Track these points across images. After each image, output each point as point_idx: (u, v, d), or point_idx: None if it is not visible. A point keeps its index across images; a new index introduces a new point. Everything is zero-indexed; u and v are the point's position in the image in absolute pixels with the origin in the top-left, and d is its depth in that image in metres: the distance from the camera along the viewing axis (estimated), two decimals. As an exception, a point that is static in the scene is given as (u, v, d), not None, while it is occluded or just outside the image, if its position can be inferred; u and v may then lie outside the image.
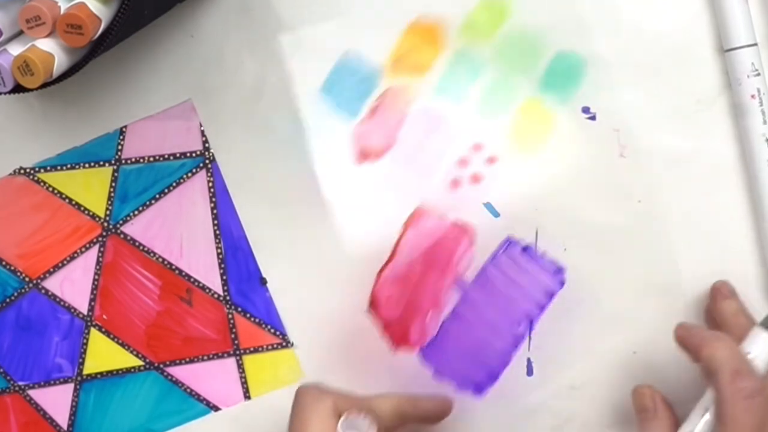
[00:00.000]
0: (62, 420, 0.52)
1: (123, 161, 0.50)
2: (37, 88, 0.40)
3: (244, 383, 0.51)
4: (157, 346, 0.51)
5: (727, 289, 0.47)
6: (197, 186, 0.50)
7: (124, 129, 0.50)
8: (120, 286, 0.51)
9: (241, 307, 0.51)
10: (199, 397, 0.52)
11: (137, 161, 0.50)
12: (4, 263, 0.51)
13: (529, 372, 0.50)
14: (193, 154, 0.50)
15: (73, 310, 0.51)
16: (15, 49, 0.40)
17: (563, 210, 0.49)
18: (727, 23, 0.46)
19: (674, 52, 0.47)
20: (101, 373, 0.52)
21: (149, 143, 0.50)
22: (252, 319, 0.51)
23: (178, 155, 0.50)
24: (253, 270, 0.50)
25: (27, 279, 0.51)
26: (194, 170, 0.50)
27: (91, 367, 0.52)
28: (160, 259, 0.51)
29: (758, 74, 0.46)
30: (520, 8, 0.47)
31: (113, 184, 0.50)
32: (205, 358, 0.51)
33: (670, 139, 0.48)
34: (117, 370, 0.52)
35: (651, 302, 0.48)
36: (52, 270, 0.51)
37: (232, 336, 0.51)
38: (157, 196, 0.50)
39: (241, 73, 0.49)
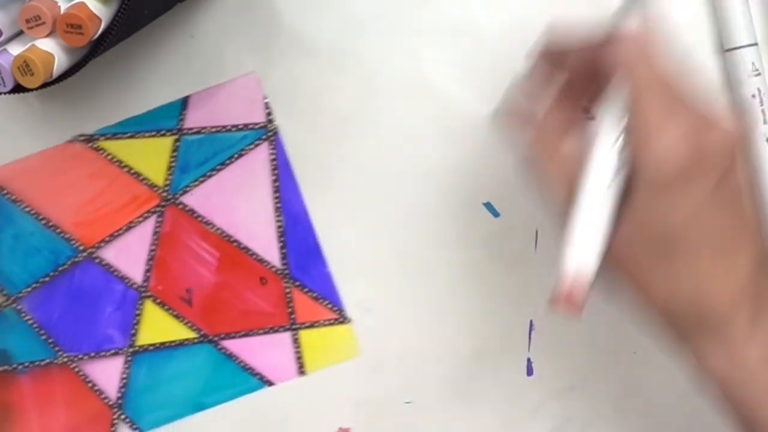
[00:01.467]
0: (111, 392, 0.52)
1: (185, 131, 0.50)
2: (37, 88, 0.40)
3: (300, 358, 0.51)
4: (212, 318, 0.51)
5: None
6: (259, 158, 0.50)
7: (186, 98, 0.49)
8: (177, 258, 0.51)
9: (300, 281, 0.50)
10: (253, 372, 0.51)
11: (199, 131, 0.50)
12: (58, 231, 0.50)
13: (529, 372, 0.50)
14: (256, 126, 0.49)
15: (127, 281, 0.51)
16: (15, 49, 0.40)
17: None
18: (727, 23, 0.46)
19: (674, 52, 0.47)
20: (154, 345, 0.51)
21: (212, 114, 0.50)
22: (310, 293, 0.50)
23: (240, 127, 0.49)
24: (312, 244, 0.50)
25: (81, 248, 0.51)
26: (257, 142, 0.50)
27: (144, 338, 0.51)
28: (219, 231, 0.50)
29: (758, 74, 0.46)
30: None
31: (174, 154, 0.50)
32: (261, 332, 0.51)
33: None
34: (170, 343, 0.51)
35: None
36: (107, 239, 0.51)
37: (289, 310, 0.51)
38: (218, 167, 0.50)
39: (241, 73, 0.50)
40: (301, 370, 0.51)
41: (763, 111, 0.46)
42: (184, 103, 0.49)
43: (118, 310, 0.51)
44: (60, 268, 0.51)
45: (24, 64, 0.39)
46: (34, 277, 0.51)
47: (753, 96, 0.46)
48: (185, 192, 0.50)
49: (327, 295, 0.50)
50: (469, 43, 0.49)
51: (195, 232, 0.51)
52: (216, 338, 0.51)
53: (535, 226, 0.49)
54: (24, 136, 0.51)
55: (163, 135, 0.50)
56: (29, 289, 0.51)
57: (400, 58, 0.49)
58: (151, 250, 0.51)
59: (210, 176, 0.50)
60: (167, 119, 0.50)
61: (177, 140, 0.50)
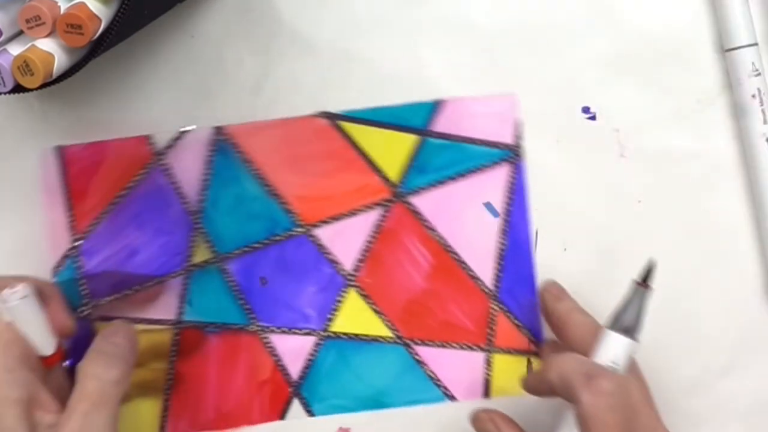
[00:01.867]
0: (294, 370, 0.52)
1: (431, 133, 0.50)
2: (37, 88, 0.40)
3: (488, 381, 0.51)
4: (411, 322, 0.51)
5: (557, 289, 0.48)
6: (498, 177, 0.50)
7: (440, 102, 0.49)
8: (392, 255, 0.51)
9: (506, 305, 0.50)
10: (438, 383, 0.51)
11: (445, 137, 0.50)
12: (281, 201, 0.51)
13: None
14: (504, 146, 0.50)
15: (337, 265, 0.51)
16: (15, 49, 0.40)
17: (563, 210, 0.49)
18: (727, 23, 0.47)
19: (674, 52, 0.49)
20: (347, 334, 0.51)
21: (462, 123, 0.50)
22: (513, 319, 0.50)
23: (488, 142, 0.50)
24: (527, 273, 0.50)
25: (300, 222, 0.51)
26: (499, 161, 0.50)
27: (339, 325, 0.51)
28: (440, 239, 0.51)
29: (759, 74, 0.47)
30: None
31: (414, 153, 0.50)
32: (456, 346, 0.51)
33: (670, 139, 0.49)
34: (364, 335, 0.51)
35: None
36: (327, 220, 0.51)
37: (489, 331, 0.51)
38: (455, 176, 0.50)
39: (242, 73, 0.50)
40: (486, 393, 0.51)
41: (763, 111, 0.47)
42: (436, 105, 0.50)
43: (321, 293, 0.51)
44: (274, 238, 0.51)
45: (24, 64, 0.39)
46: (246, 240, 0.51)
47: (753, 96, 0.47)
48: (416, 192, 0.50)
49: (530, 324, 0.50)
50: (469, 43, 0.50)
51: (415, 234, 0.51)
52: (411, 342, 0.51)
53: (535, 226, 0.50)
54: (24, 136, 0.51)
55: (409, 132, 0.50)
56: (238, 252, 0.51)
57: (400, 57, 0.50)
58: (368, 242, 0.51)
59: (444, 183, 0.50)
60: (417, 118, 0.50)
61: (421, 140, 0.50)
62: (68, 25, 0.39)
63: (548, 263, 0.50)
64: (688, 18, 0.48)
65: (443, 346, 0.51)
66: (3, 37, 0.40)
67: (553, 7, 0.49)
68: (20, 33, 0.41)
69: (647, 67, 0.49)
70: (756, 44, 0.47)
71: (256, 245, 0.51)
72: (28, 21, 0.40)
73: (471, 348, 0.51)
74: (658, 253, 0.45)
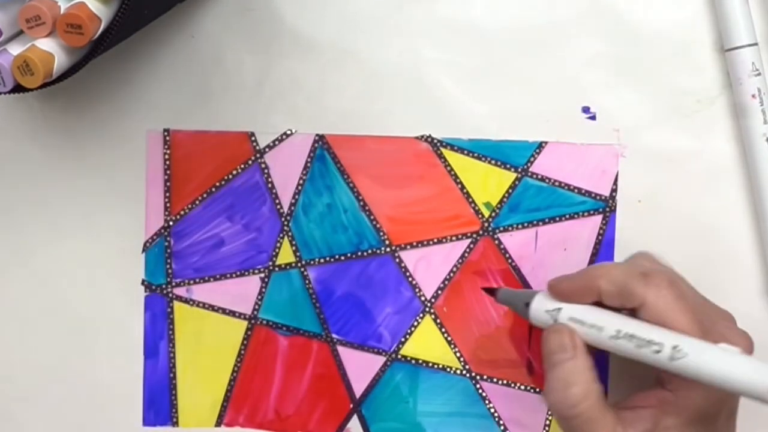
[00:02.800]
0: (358, 387, 0.52)
1: (530, 173, 0.50)
2: (37, 88, 0.40)
3: (548, 426, 0.51)
4: (482, 357, 0.51)
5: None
6: (587, 228, 0.51)
7: (544, 144, 0.49)
8: (472, 288, 0.51)
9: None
10: (499, 421, 0.51)
11: (543, 179, 0.50)
12: (372, 218, 0.51)
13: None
14: (598, 197, 0.50)
15: (417, 290, 0.51)
16: (15, 49, 0.40)
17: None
18: (727, 23, 0.47)
19: (674, 52, 0.49)
20: (416, 360, 0.51)
21: (562, 168, 0.50)
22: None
23: (584, 191, 0.50)
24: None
25: (387, 242, 0.51)
26: (591, 212, 0.50)
27: (409, 350, 0.51)
28: (521, 279, 0.50)
29: (759, 74, 0.47)
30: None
31: (510, 191, 0.50)
32: (522, 387, 0.51)
33: (670, 139, 0.49)
34: (433, 364, 0.51)
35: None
36: (414, 244, 0.51)
37: (554, 377, 0.50)
38: (547, 220, 0.50)
39: (242, 73, 0.50)
40: (544, 437, 0.51)
41: (763, 111, 0.47)
42: (539, 146, 0.50)
43: (398, 314, 0.51)
44: (359, 253, 0.52)
45: (24, 64, 0.39)
46: (331, 251, 0.52)
47: (753, 96, 0.47)
48: (506, 230, 0.51)
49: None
50: (469, 43, 0.50)
51: (499, 272, 0.51)
52: (478, 376, 0.51)
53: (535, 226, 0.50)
54: (24, 136, 0.52)
55: (508, 169, 0.50)
56: (322, 261, 0.52)
57: (401, 58, 0.50)
58: (452, 271, 0.51)
59: (535, 225, 0.50)
60: (518, 156, 0.50)
61: (518, 179, 0.50)
62: (68, 25, 0.39)
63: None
64: (688, 18, 0.49)
65: (509, 386, 0.51)
66: (3, 37, 0.40)
67: (553, 6, 0.49)
68: (20, 33, 0.41)
69: (647, 67, 0.49)
70: (756, 44, 0.47)
71: (340, 257, 0.52)
72: (28, 21, 0.39)
73: (537, 391, 0.51)
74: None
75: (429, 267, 0.51)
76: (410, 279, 0.51)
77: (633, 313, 0.42)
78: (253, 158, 0.52)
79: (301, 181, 0.51)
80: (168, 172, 0.52)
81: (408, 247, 0.51)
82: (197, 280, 0.52)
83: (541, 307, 0.44)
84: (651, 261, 0.44)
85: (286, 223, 0.52)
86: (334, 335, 0.52)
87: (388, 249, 0.51)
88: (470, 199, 0.51)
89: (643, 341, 0.39)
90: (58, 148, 0.52)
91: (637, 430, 0.41)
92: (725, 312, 0.44)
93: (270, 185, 0.52)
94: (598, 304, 0.43)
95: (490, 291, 0.49)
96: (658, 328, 0.40)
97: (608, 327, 0.41)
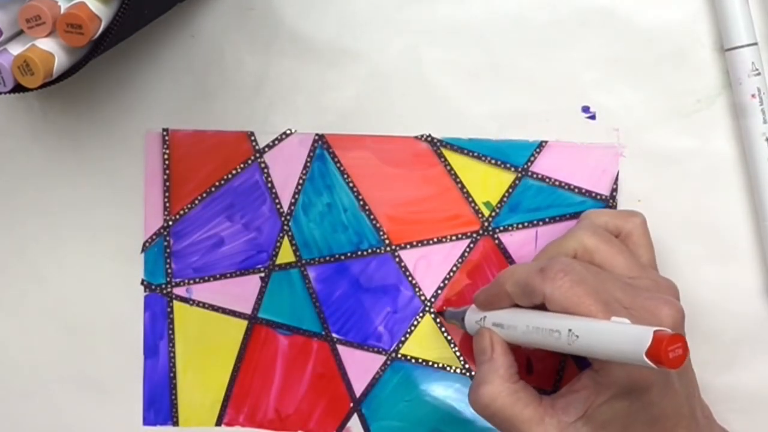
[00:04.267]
0: (358, 387, 0.52)
1: (530, 173, 0.50)
2: (37, 88, 0.40)
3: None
4: (481, 356, 0.51)
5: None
6: (586, 227, 0.50)
7: (544, 143, 0.49)
8: (473, 287, 0.51)
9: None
10: (498, 421, 0.51)
11: (543, 179, 0.50)
12: (371, 217, 0.51)
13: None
14: (598, 197, 0.49)
15: (417, 290, 0.51)
16: (15, 49, 0.40)
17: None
18: (727, 22, 0.47)
19: (674, 51, 0.49)
20: (416, 359, 0.52)
21: (562, 167, 0.50)
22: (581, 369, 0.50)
23: (584, 191, 0.50)
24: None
25: (387, 241, 0.51)
26: (592, 212, 0.50)
27: (409, 349, 0.51)
28: (521, 279, 0.50)
29: (758, 74, 0.47)
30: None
31: (510, 190, 0.50)
32: (522, 386, 0.51)
33: (670, 139, 0.49)
34: (433, 363, 0.51)
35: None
36: (414, 243, 0.51)
37: (556, 377, 0.51)
38: (547, 220, 0.50)
39: (242, 73, 0.50)
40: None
41: (763, 110, 0.47)
42: (540, 146, 0.50)
43: (397, 313, 0.51)
44: (359, 252, 0.52)
45: (24, 64, 0.39)
46: (331, 251, 0.52)
47: (753, 96, 0.47)
48: (505, 230, 0.51)
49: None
50: (469, 43, 0.50)
51: (499, 270, 0.51)
52: (478, 376, 0.51)
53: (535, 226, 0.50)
54: (24, 136, 0.52)
55: (508, 168, 0.50)
56: (322, 260, 0.52)
57: (400, 57, 0.50)
58: (452, 271, 0.51)
59: (534, 225, 0.50)
60: (518, 156, 0.50)
61: (518, 179, 0.50)
62: (68, 25, 0.39)
63: None
64: (688, 18, 0.49)
65: (509, 385, 0.51)
66: (3, 37, 0.40)
67: (554, 6, 0.49)
68: (20, 33, 0.41)
69: (647, 67, 0.49)
70: (756, 44, 0.47)
71: (340, 257, 0.52)
72: (28, 21, 0.39)
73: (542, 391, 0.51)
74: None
75: (429, 266, 0.51)
76: (410, 278, 0.51)
77: (544, 307, 0.42)
78: (252, 158, 0.52)
79: (300, 181, 0.51)
80: (167, 171, 0.52)
81: (408, 246, 0.51)
82: (197, 279, 0.52)
83: (472, 318, 0.47)
84: (596, 215, 0.47)
85: (286, 222, 0.52)
86: (334, 334, 0.52)
87: (388, 248, 0.51)
88: (470, 199, 0.51)
89: (546, 331, 0.40)
90: (58, 148, 0.52)
91: (570, 416, 0.42)
92: (657, 282, 0.43)
93: (270, 185, 0.52)
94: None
95: (441, 313, 0.51)
96: (560, 316, 0.40)
97: (520, 324, 0.42)
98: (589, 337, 0.38)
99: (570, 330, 0.39)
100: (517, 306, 0.44)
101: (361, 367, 0.52)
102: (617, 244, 0.45)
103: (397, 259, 0.51)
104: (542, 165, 0.50)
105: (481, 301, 0.46)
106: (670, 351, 0.34)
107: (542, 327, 0.41)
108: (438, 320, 0.51)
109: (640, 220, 0.46)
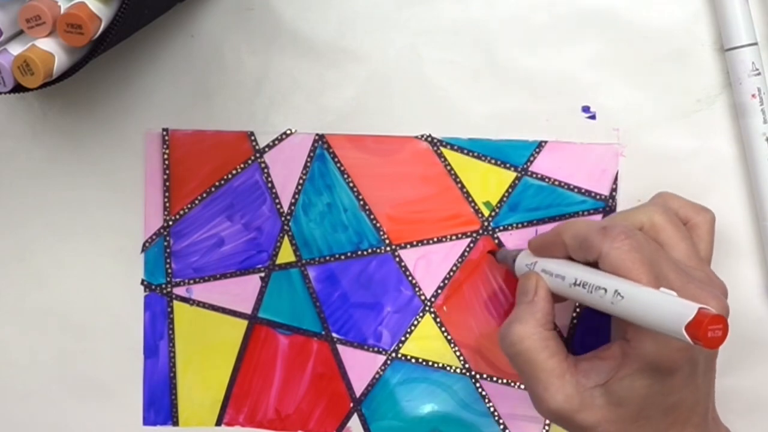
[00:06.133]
0: (359, 387, 0.52)
1: (529, 173, 0.50)
2: (37, 88, 0.40)
3: (548, 425, 0.51)
4: (482, 356, 0.51)
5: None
6: (587, 227, 0.50)
7: (543, 143, 0.49)
8: (472, 287, 0.51)
9: (577, 353, 0.50)
10: (499, 420, 0.51)
11: (543, 178, 0.50)
12: (371, 217, 0.51)
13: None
14: (598, 197, 0.50)
15: (417, 289, 0.51)
16: (15, 49, 0.40)
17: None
18: (727, 22, 0.47)
19: (674, 51, 0.49)
20: (416, 359, 0.52)
21: (562, 167, 0.50)
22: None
23: (583, 191, 0.50)
24: (603, 322, 0.50)
25: (387, 241, 0.51)
26: (591, 211, 0.50)
27: (409, 348, 0.52)
28: (522, 279, 0.50)
29: (759, 74, 0.47)
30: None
31: (510, 190, 0.50)
32: (522, 387, 0.51)
33: (670, 138, 0.49)
34: (432, 362, 0.51)
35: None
36: (414, 243, 0.51)
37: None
38: (546, 219, 0.50)
39: (242, 73, 0.50)
40: (543, 436, 0.51)
41: (763, 110, 0.47)
42: (539, 146, 0.50)
43: (397, 313, 0.51)
44: (359, 252, 0.52)
45: (24, 64, 0.39)
46: (331, 250, 0.52)
47: (753, 96, 0.47)
48: (505, 229, 0.51)
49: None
50: (469, 43, 0.50)
51: (499, 271, 0.51)
52: (478, 375, 0.51)
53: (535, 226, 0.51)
54: (24, 136, 0.52)
55: (507, 168, 0.50)
56: (322, 260, 0.52)
57: (400, 57, 0.50)
58: (452, 270, 0.51)
59: (534, 224, 0.51)
60: (517, 155, 0.50)
61: (518, 178, 0.50)
62: (68, 25, 0.39)
63: None
64: (688, 18, 0.49)
65: (509, 385, 0.51)
66: (3, 37, 0.40)
67: (554, 6, 0.49)
68: (20, 33, 0.41)
69: (647, 67, 0.49)
70: (756, 44, 0.47)
71: (340, 256, 0.52)
72: (28, 21, 0.39)
73: (536, 391, 0.51)
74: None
75: (429, 266, 0.51)
76: (410, 278, 0.51)
77: (596, 265, 0.42)
78: (252, 158, 0.52)
79: (301, 181, 0.51)
80: (167, 171, 0.52)
81: (408, 246, 0.51)
82: (197, 279, 0.52)
83: (523, 261, 0.47)
84: (671, 199, 0.46)
85: (286, 222, 0.52)
86: (334, 334, 0.52)
87: (388, 248, 0.51)
88: (470, 199, 0.51)
89: (593, 287, 0.40)
90: (58, 148, 0.52)
91: (590, 381, 0.42)
92: (710, 277, 0.44)
93: (270, 185, 0.52)
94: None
95: (493, 253, 0.51)
96: (609, 276, 0.40)
97: (569, 276, 0.42)
98: (633, 300, 0.38)
99: (616, 291, 0.39)
100: (569, 259, 0.44)
101: (361, 366, 0.52)
102: (683, 231, 0.44)
103: (397, 259, 0.51)
104: (542, 165, 0.50)
105: (535, 246, 0.46)
106: (710, 330, 0.34)
107: (590, 282, 0.41)
108: (438, 320, 0.51)
109: (710, 217, 0.45)
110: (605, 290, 0.39)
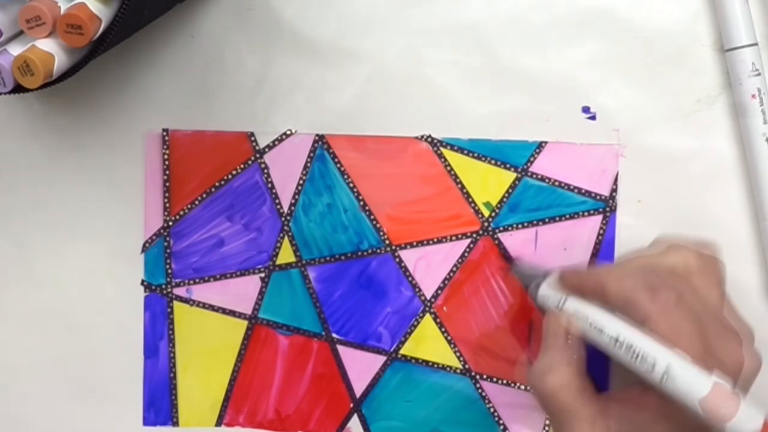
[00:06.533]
0: (359, 387, 0.52)
1: (530, 173, 0.50)
2: (37, 88, 0.40)
3: (548, 426, 0.51)
4: (482, 356, 0.51)
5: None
6: (587, 228, 0.51)
7: (544, 144, 0.49)
8: (473, 287, 0.51)
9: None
10: (499, 421, 0.51)
11: (543, 179, 0.50)
12: (372, 217, 0.51)
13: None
14: (598, 197, 0.50)
15: (417, 290, 0.51)
16: (15, 49, 0.40)
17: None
18: (727, 23, 0.47)
19: (674, 51, 0.49)
20: (416, 359, 0.52)
21: (562, 167, 0.50)
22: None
23: (583, 191, 0.50)
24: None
25: (387, 241, 0.51)
26: (591, 212, 0.50)
27: (409, 349, 0.52)
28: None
29: (758, 74, 0.47)
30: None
31: (510, 190, 0.50)
32: (522, 387, 0.51)
33: (670, 139, 0.49)
34: (432, 363, 0.51)
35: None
36: (414, 243, 0.51)
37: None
38: (547, 220, 0.50)
39: (242, 73, 0.50)
40: (544, 439, 0.51)
41: (763, 111, 0.47)
42: (539, 146, 0.50)
43: (397, 314, 0.51)
44: (359, 253, 0.52)
45: (24, 64, 0.39)
46: (331, 251, 0.52)
47: (753, 96, 0.47)
48: (505, 230, 0.51)
49: (597, 374, 0.50)
50: (469, 43, 0.50)
51: (499, 271, 0.51)
52: (478, 376, 0.51)
53: (535, 226, 0.50)
54: (24, 136, 0.52)
55: (508, 168, 0.50)
56: (322, 260, 0.52)
57: (401, 57, 0.50)
58: (452, 271, 0.51)
59: (534, 225, 0.50)
60: (518, 156, 0.50)
61: (518, 178, 0.50)
62: (68, 26, 0.39)
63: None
64: (688, 18, 0.49)
65: (509, 385, 0.51)
66: (3, 37, 0.40)
67: (554, 6, 0.49)
68: (20, 33, 0.41)
69: (647, 67, 0.49)
70: (756, 44, 0.47)
71: (340, 257, 0.52)
72: (28, 21, 0.39)
73: (537, 392, 0.51)
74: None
75: (429, 266, 0.51)
76: (410, 278, 0.51)
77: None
78: (252, 158, 0.52)
79: (301, 181, 0.51)
80: (167, 172, 0.52)
81: (408, 246, 0.51)
82: (197, 280, 0.52)
83: (550, 293, 0.45)
84: (675, 249, 0.44)
85: (286, 222, 0.52)
86: (334, 335, 0.52)
87: (388, 248, 0.51)
88: (470, 199, 0.51)
89: (638, 355, 0.40)
90: (58, 148, 0.52)
91: (622, 427, 0.41)
92: (741, 326, 0.43)
93: (270, 185, 0.52)
94: None
95: (508, 260, 0.50)
96: (655, 343, 0.40)
97: (608, 330, 0.41)
98: (684, 385, 0.38)
99: (667, 370, 0.38)
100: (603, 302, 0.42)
101: (361, 367, 0.52)
102: (717, 276, 0.44)
103: (397, 259, 0.51)
104: (542, 165, 0.50)
105: (569, 285, 0.44)
106: None
107: (635, 348, 0.40)
108: (438, 320, 0.51)
109: (723, 264, 0.45)
110: (653, 366, 0.39)
